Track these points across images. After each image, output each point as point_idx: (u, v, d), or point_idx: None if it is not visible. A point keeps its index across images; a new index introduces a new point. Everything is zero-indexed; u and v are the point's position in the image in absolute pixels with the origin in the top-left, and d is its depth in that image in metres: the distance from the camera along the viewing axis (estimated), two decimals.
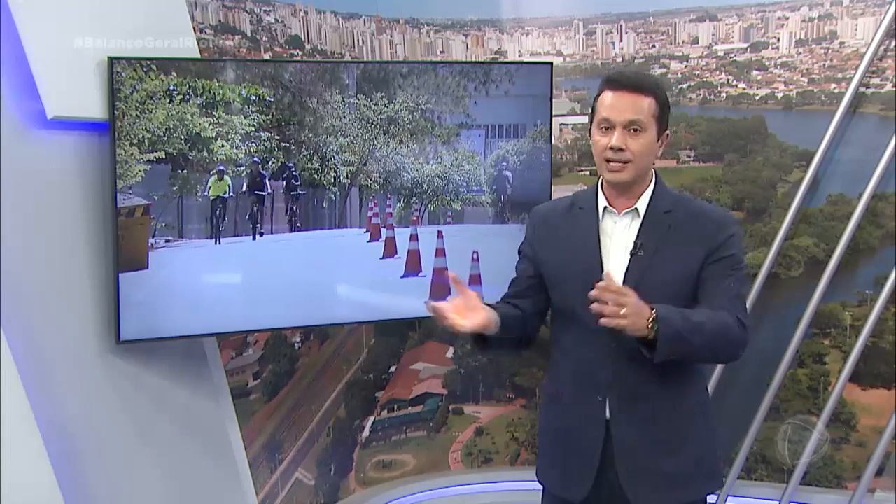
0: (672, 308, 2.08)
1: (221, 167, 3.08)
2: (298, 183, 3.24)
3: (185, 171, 3.03)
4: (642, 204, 2.23)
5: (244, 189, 3.15)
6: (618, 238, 2.25)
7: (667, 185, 2.30)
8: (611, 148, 2.16)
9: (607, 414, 2.22)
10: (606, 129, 2.18)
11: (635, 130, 2.16)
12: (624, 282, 2.13)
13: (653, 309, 2.04)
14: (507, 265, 2.96)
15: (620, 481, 2.22)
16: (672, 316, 2.05)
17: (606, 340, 2.17)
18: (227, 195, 3.11)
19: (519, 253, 2.44)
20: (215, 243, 3.11)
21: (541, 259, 2.35)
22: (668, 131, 2.24)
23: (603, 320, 2.00)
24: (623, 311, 1.98)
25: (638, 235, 2.22)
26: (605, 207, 2.26)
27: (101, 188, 2.89)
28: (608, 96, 2.18)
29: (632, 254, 2.21)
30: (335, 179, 3.33)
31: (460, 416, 4.34)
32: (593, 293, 2.00)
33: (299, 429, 3.83)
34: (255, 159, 3.15)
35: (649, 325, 2.03)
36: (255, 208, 3.18)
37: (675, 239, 2.20)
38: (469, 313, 2.13)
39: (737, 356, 2.21)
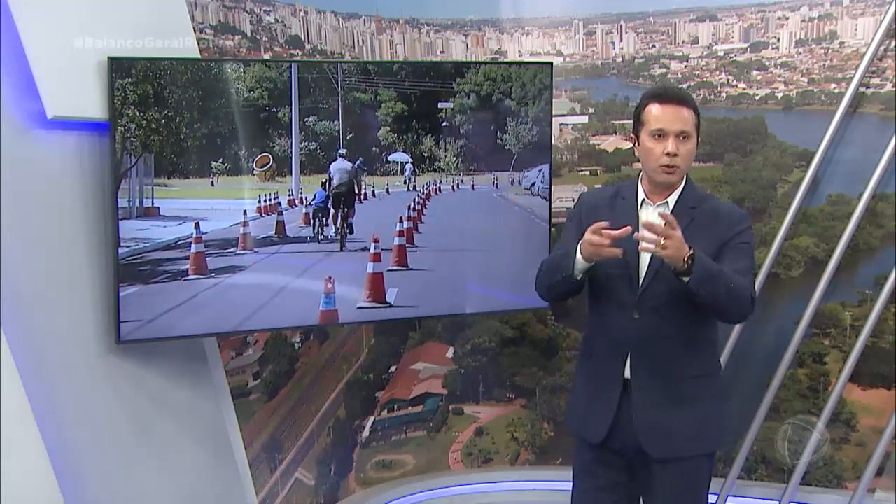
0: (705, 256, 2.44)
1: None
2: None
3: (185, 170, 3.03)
4: (673, 199, 2.59)
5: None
6: None
7: (695, 184, 2.64)
8: (667, 154, 2.50)
9: (627, 374, 2.60)
10: (659, 136, 2.52)
11: (684, 138, 2.52)
12: (650, 263, 2.53)
13: (692, 248, 2.36)
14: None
15: (636, 432, 2.59)
16: (707, 258, 2.41)
17: (631, 313, 2.56)
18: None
19: (560, 228, 2.82)
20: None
21: None
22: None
23: (643, 246, 2.36)
24: (663, 242, 2.32)
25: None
26: (643, 199, 2.61)
27: (101, 188, 2.89)
28: (657, 108, 2.53)
29: None
30: None
31: (460, 416, 4.34)
32: (645, 222, 2.36)
33: (299, 429, 3.83)
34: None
35: (686, 260, 2.35)
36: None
37: (694, 232, 2.47)
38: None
39: (743, 316, 2.55)
